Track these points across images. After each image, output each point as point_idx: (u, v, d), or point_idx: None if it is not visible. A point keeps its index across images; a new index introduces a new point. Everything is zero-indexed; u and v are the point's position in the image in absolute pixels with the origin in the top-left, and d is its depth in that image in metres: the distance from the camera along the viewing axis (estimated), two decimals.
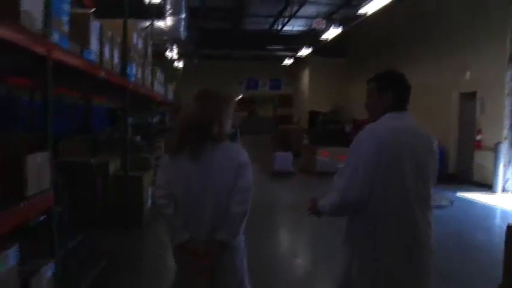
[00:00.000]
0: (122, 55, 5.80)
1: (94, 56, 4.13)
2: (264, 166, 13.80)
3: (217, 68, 23.36)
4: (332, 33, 13.56)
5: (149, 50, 8.19)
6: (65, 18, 3.19)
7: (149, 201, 6.90)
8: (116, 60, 5.34)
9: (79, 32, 3.96)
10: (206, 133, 2.38)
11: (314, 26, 12.54)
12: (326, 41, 15.71)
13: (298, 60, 22.12)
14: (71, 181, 5.99)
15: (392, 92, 2.26)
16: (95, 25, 4.29)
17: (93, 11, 4.37)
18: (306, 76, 21.98)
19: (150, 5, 9.14)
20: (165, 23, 10.46)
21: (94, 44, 4.23)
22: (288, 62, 21.05)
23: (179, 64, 18.96)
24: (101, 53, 4.61)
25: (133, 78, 6.33)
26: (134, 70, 6.60)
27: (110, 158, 6.62)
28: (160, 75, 10.50)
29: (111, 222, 6.21)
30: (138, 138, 9.04)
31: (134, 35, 6.62)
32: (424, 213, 2.17)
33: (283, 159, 12.07)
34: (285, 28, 17.85)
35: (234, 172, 2.40)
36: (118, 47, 5.51)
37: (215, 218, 2.38)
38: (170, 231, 2.43)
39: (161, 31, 10.37)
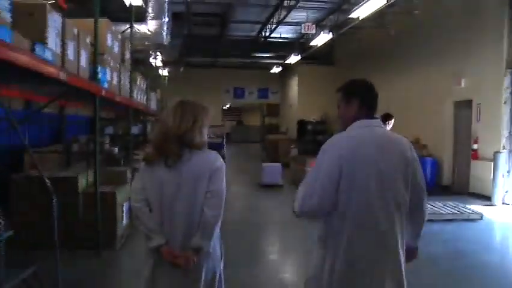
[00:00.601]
0: (93, 57, 5.23)
1: (50, 55, 3.53)
2: (252, 177, 13.24)
3: (203, 76, 22.79)
4: (321, 39, 13.10)
5: (128, 54, 7.61)
6: (5, 5, 2.59)
7: (125, 219, 6.27)
8: (83, 62, 4.75)
9: (32, 25, 3.38)
10: (185, 142, 2.41)
11: (304, 30, 12.06)
12: (315, 48, 15.27)
13: (287, 68, 21.67)
14: (32, 199, 5.37)
15: (358, 101, 2.30)
16: (54, 19, 3.70)
17: (52, 3, 3.77)
18: (294, 84, 21.49)
19: (130, 7, 8.57)
20: (147, 27, 9.88)
21: (51, 41, 3.64)
22: (276, 70, 20.55)
23: (164, 72, 18.35)
24: (64, 52, 4.02)
25: (105, 84, 5.74)
26: (108, 75, 6.01)
27: (82, 171, 6.00)
28: (141, 83, 9.92)
29: (79, 244, 5.57)
30: (115, 149, 8.42)
31: (109, 37, 6.04)
32: (393, 221, 2.19)
33: (272, 170, 11.50)
34: (273, 35, 17.36)
35: (208, 178, 2.44)
36: (87, 47, 4.93)
37: (188, 224, 2.43)
38: (145, 235, 2.47)
39: (142, 36, 9.79)
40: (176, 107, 2.49)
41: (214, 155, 2.53)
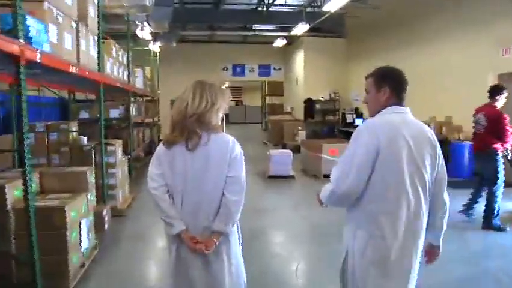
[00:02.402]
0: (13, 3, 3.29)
1: None
2: (255, 165, 11.40)
3: (198, 53, 20.64)
4: (336, 3, 11.04)
5: (93, 12, 5.66)
6: None
7: (85, 242, 4.42)
8: None
9: None
10: (203, 123, 2.42)
11: None
12: (326, 16, 13.27)
13: (292, 42, 19.59)
14: None
15: (389, 88, 2.35)
16: None
17: None
18: (300, 59, 19.33)
19: None
20: None
21: None
22: (279, 43, 18.36)
23: (155, 47, 16.28)
24: None
25: (45, 46, 3.83)
26: (52, 34, 4.10)
27: (15, 177, 4.12)
28: (120, 55, 7.98)
29: (13, 286, 3.76)
30: (84, 139, 6.53)
31: None
32: (420, 206, 2.26)
33: (282, 160, 9.62)
34: (277, 2, 15.26)
35: (227, 163, 2.45)
36: None
37: (210, 208, 2.45)
38: (166, 222, 2.47)
39: None
40: (196, 86, 2.51)
41: (232, 139, 2.51)
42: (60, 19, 4.31)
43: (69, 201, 4.04)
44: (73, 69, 4.60)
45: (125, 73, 8.56)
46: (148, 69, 13.88)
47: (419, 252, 2.31)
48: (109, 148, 6.39)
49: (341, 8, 12.04)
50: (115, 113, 8.84)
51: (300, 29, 14.61)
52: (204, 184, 2.42)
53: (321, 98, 17.84)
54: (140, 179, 8.79)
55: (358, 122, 15.01)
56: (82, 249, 4.29)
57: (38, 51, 3.58)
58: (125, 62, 8.56)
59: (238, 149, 2.50)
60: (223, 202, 2.43)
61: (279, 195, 8.33)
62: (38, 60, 3.57)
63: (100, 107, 6.20)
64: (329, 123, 17.50)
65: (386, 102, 2.34)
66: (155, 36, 15.88)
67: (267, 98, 25.01)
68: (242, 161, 2.51)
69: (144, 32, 13.05)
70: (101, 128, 6.15)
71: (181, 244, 2.46)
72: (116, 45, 7.58)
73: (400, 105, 2.35)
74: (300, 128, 15.95)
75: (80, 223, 4.21)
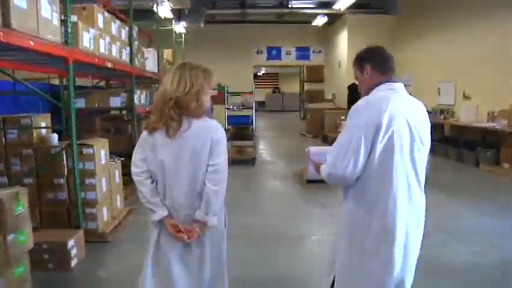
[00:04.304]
0: None
1: None
2: (290, 163, 9.58)
3: (230, 34, 18.77)
4: None
5: None
6: None
7: None
8: None
9: None
10: (181, 108, 2.31)
11: None
12: None
13: (333, 21, 17.41)
14: None
15: (370, 66, 2.30)
16: None
17: None
18: (343, 40, 17.03)
19: None
20: None
21: None
22: (320, 21, 16.22)
23: (179, 28, 14.55)
24: None
25: None
26: None
27: None
28: (112, 28, 6.22)
29: None
30: (55, 138, 4.85)
31: None
32: (419, 181, 2.21)
33: (324, 159, 7.65)
34: None
35: (208, 150, 2.33)
36: None
37: (191, 196, 2.36)
38: (148, 208, 2.41)
39: None
40: (176, 69, 2.38)
41: (214, 124, 2.41)
42: None
43: None
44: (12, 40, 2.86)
45: (126, 52, 6.83)
46: (168, 51, 12.18)
47: (421, 229, 2.25)
48: (85, 151, 4.66)
49: None
50: (115, 101, 7.13)
51: (344, 2, 12.47)
52: (183, 172, 2.32)
53: None
54: None
55: None
56: None
57: None
58: (125, 39, 6.82)
59: (220, 135, 2.38)
60: (205, 191, 2.34)
61: (319, 209, 6.39)
62: None
63: (70, 93, 4.47)
64: None
65: (371, 81, 2.28)
66: (179, 15, 14.19)
67: (306, 84, 23.00)
68: (224, 147, 2.39)
69: (163, 8, 11.36)
70: (72, 121, 4.42)
71: (163, 230, 2.40)
72: (106, 14, 5.81)
73: (390, 82, 2.25)
74: (342, 117, 13.94)
75: None
